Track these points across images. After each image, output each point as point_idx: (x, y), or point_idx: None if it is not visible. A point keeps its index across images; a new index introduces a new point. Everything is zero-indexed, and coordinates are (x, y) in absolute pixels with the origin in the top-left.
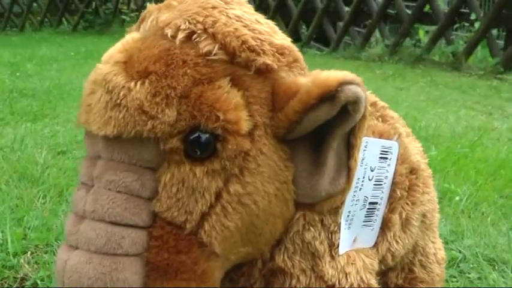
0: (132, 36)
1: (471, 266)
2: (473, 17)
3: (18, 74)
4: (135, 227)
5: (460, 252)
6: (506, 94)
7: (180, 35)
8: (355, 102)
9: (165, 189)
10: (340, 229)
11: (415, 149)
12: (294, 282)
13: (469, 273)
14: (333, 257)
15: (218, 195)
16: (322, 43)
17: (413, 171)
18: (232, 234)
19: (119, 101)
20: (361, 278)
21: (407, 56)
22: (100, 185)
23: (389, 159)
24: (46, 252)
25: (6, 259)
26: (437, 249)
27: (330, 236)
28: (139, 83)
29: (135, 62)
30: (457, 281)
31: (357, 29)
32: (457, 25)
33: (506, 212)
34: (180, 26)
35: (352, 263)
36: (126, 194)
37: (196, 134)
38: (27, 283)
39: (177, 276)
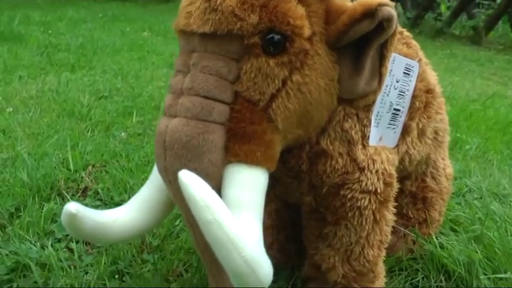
0: None
1: (475, 196)
2: None
3: (50, 31)
4: (222, 102)
5: (466, 185)
6: None
7: None
8: (389, 19)
9: (246, 75)
10: (370, 124)
11: (432, 75)
12: (333, 163)
13: (472, 202)
14: (364, 146)
15: (284, 82)
16: None
17: (429, 91)
18: (291, 115)
19: (216, 6)
20: (385, 167)
21: (428, 29)
22: (196, 70)
23: (411, 76)
24: (102, 171)
25: (68, 174)
26: (446, 165)
27: (362, 128)
28: None
29: None
30: (461, 207)
31: None
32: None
33: (509, 160)
34: None
35: (378, 154)
36: (216, 76)
37: (271, 35)
38: (89, 192)
39: (250, 141)
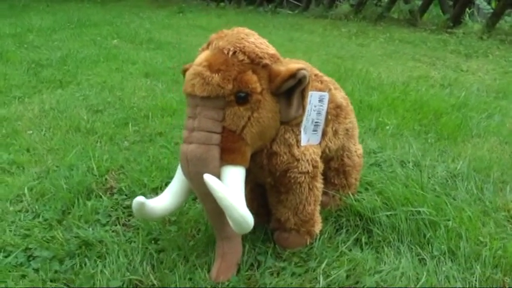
0: (207, 53)
1: (388, 164)
2: None
3: (25, 45)
4: (216, 133)
5: (382, 158)
6: (451, 47)
7: (230, 52)
8: (304, 77)
9: (228, 116)
10: (300, 133)
11: (340, 96)
12: (281, 158)
13: (385, 169)
14: (298, 147)
15: (249, 118)
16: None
17: (338, 107)
18: (254, 135)
19: (208, 81)
20: (312, 157)
21: (370, 14)
22: (200, 116)
23: (324, 102)
24: (121, 173)
25: (96, 178)
26: (357, 149)
27: (296, 136)
28: (216, 74)
29: (213, 65)
30: (377, 172)
31: None
32: None
33: (420, 134)
34: (230, 48)
35: (307, 150)
36: (212, 119)
37: (240, 94)
38: (115, 190)
39: (234, 153)
